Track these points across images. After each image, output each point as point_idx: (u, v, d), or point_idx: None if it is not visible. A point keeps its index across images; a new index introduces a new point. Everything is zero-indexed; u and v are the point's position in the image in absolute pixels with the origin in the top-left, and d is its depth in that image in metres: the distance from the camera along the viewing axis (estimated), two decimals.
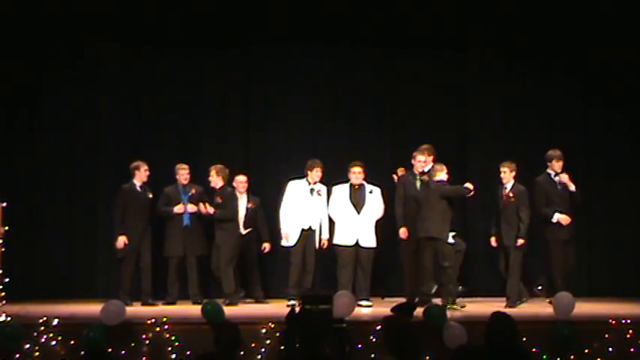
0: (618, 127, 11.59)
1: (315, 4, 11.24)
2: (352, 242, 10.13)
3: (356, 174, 10.14)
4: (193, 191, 10.54)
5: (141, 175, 10.43)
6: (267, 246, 10.67)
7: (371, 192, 10.20)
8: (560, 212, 10.01)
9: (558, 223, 10.01)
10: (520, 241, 9.93)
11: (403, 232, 10.12)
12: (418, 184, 10.07)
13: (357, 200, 10.15)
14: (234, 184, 10.56)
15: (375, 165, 10.94)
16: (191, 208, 10.44)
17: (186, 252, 10.52)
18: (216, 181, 10.39)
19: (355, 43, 11.52)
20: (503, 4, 11.29)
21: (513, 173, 10.07)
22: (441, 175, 9.77)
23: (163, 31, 11.35)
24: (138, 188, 10.45)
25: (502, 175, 10.08)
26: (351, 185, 10.19)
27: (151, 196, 10.50)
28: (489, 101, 11.74)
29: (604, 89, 11.50)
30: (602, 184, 10.59)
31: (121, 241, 10.32)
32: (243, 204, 10.56)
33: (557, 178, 10.11)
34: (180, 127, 11.62)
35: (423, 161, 10.04)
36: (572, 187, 10.05)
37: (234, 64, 11.70)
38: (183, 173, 10.61)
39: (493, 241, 10.21)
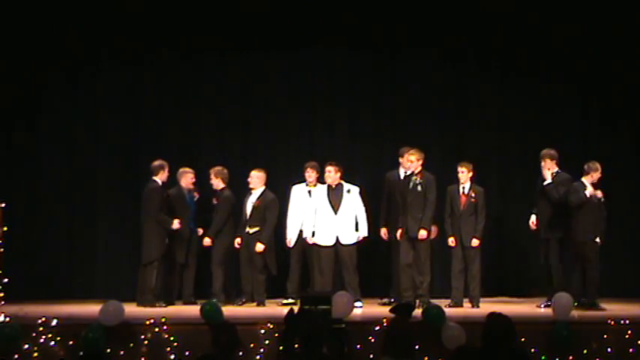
0: (616, 128, 11.58)
1: (314, 7, 11.25)
2: (331, 242, 10.01)
3: (329, 173, 10.02)
4: (197, 195, 10.53)
5: (163, 176, 10.31)
6: (258, 245, 10.25)
7: (349, 191, 10.09)
8: (536, 214, 10.05)
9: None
10: (475, 242, 9.95)
11: (384, 233, 10.28)
12: (411, 184, 10.00)
13: (334, 200, 10.08)
14: (249, 179, 10.41)
15: (374, 166, 10.96)
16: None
17: (188, 255, 10.47)
18: (216, 183, 10.46)
19: (354, 45, 11.50)
20: (502, 8, 11.30)
21: (470, 174, 10.05)
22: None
23: (163, 34, 11.34)
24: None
25: (460, 175, 10.05)
26: (328, 186, 10.10)
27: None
28: (488, 103, 11.73)
29: (603, 91, 11.50)
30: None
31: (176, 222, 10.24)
32: (250, 202, 10.36)
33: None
34: (179, 130, 11.62)
35: (413, 161, 9.97)
36: (547, 181, 9.96)
37: (233, 68, 11.68)
38: (189, 177, 10.49)
39: (451, 241, 10.06)
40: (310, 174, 10.41)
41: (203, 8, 11.30)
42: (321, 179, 10.39)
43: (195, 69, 11.59)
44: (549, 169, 9.96)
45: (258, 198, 10.36)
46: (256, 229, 10.33)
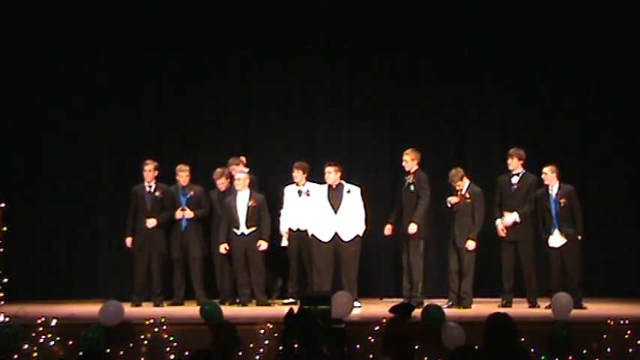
0: (616, 125, 11.58)
1: (314, 5, 11.25)
2: (329, 238, 9.89)
3: (329, 173, 9.95)
4: (192, 193, 10.51)
5: (146, 175, 10.31)
6: (262, 243, 10.23)
7: (349, 192, 10.02)
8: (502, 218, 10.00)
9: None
10: (471, 244, 9.84)
11: (388, 229, 10.14)
12: (405, 184, 10.00)
13: (335, 200, 10.01)
14: (235, 180, 10.36)
15: (374, 165, 10.96)
16: (188, 214, 10.40)
17: (187, 254, 10.46)
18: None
19: (354, 44, 11.53)
20: (501, 3, 11.32)
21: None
22: None
23: (163, 31, 11.37)
24: (146, 187, 10.40)
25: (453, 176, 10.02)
26: (329, 186, 10.05)
27: (157, 194, 10.37)
28: (488, 101, 11.75)
29: (602, 88, 11.51)
30: (600, 183, 10.58)
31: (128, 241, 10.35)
32: (244, 201, 10.31)
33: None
34: (179, 127, 11.64)
35: (407, 161, 10.00)
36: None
37: (233, 66, 11.70)
38: (182, 175, 10.47)
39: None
40: (297, 174, 10.46)
41: (204, 5, 11.31)
42: (310, 178, 10.46)
43: (195, 66, 11.61)
44: (515, 169, 10.01)
45: (251, 198, 10.32)
46: (253, 229, 10.29)
